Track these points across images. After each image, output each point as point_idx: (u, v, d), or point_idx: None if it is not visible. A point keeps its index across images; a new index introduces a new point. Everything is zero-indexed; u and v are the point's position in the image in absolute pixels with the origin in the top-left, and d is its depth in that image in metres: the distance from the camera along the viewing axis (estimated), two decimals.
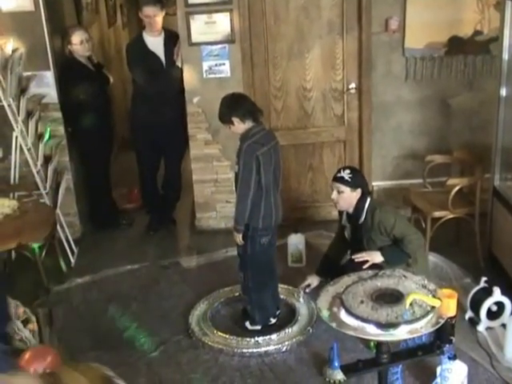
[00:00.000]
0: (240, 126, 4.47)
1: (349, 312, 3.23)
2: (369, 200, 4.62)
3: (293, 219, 6.02)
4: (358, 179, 4.59)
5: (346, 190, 4.55)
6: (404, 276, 3.48)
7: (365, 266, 4.44)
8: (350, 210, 4.67)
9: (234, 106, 4.50)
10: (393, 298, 3.30)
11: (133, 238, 6.53)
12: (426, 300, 3.22)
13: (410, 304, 3.19)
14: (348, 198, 4.58)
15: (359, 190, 4.57)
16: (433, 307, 3.20)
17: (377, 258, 4.52)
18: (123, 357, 4.66)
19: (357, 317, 3.20)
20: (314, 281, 4.97)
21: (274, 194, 4.61)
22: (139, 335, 4.91)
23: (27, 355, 4.09)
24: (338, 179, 4.58)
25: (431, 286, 3.40)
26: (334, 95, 6.28)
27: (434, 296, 3.27)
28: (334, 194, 4.62)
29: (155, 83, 6.06)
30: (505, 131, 5.22)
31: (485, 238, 5.55)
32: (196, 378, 4.44)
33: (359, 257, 4.55)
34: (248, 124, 4.45)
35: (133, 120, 6.46)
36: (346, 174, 4.55)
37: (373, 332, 3.15)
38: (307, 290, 5.01)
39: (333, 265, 4.95)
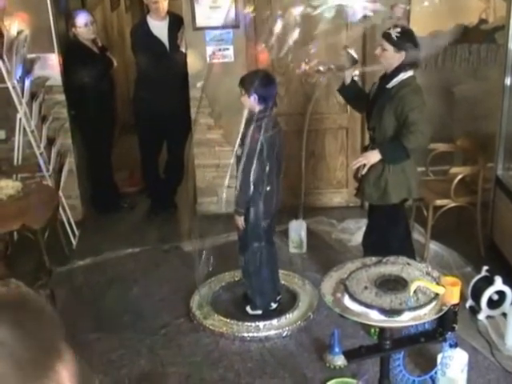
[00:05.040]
0: (251, 104, 4.41)
1: (352, 298, 3.24)
2: (411, 73, 4.35)
3: (294, 205, 6.03)
4: (406, 41, 4.30)
5: (390, 48, 4.30)
6: (408, 263, 3.49)
7: (364, 171, 4.41)
8: (388, 71, 4.42)
9: (265, 85, 4.40)
10: (396, 284, 3.31)
11: (134, 222, 6.54)
12: (430, 287, 3.23)
13: (414, 291, 3.20)
14: (390, 58, 4.33)
15: (403, 53, 4.30)
16: (437, 294, 3.21)
17: (373, 158, 4.39)
18: (124, 339, 4.69)
19: (360, 302, 3.20)
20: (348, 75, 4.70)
21: (276, 179, 4.62)
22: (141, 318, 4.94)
23: None
24: (385, 35, 4.33)
25: (435, 273, 3.41)
26: (338, 82, 6.25)
27: (437, 283, 3.28)
28: (378, 50, 4.39)
29: (159, 68, 6.05)
30: (509, 120, 5.23)
31: (486, 227, 5.57)
32: (197, 362, 4.47)
33: (356, 162, 4.48)
34: (259, 107, 4.43)
35: (136, 104, 6.45)
36: (394, 32, 4.27)
37: (376, 318, 3.17)
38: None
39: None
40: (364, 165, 4.46)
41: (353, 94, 4.82)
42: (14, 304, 1.33)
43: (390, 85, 4.38)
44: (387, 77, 4.43)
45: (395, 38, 4.26)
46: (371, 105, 4.57)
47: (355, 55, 4.66)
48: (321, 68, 4.78)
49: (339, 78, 4.88)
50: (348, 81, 4.74)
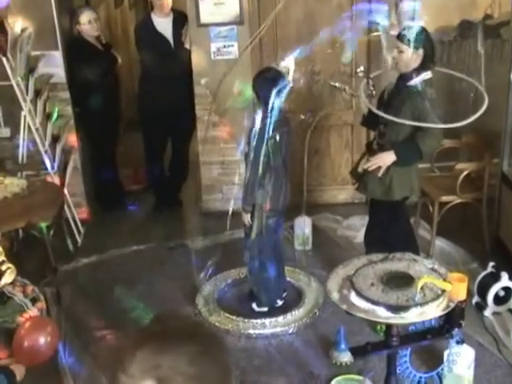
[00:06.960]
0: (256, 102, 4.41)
1: (359, 294, 3.23)
2: (429, 74, 4.28)
3: (299, 202, 6.01)
4: (422, 40, 4.21)
5: (407, 50, 4.21)
6: (414, 259, 3.48)
7: (380, 173, 4.38)
8: (406, 71, 4.32)
9: (267, 85, 4.32)
10: (403, 281, 3.30)
11: (139, 219, 6.53)
12: (437, 283, 3.22)
13: (421, 287, 3.19)
14: (408, 59, 4.24)
15: (421, 52, 4.24)
16: (443, 291, 3.20)
17: (389, 159, 4.35)
18: None
19: (367, 299, 3.19)
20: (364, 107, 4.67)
21: (283, 177, 4.61)
22: (146, 315, 4.92)
23: (27, 324, 4.11)
24: (400, 37, 4.23)
25: (442, 269, 3.40)
26: (343, 78, 6.23)
27: (444, 280, 3.27)
28: (395, 53, 4.29)
29: (163, 64, 6.04)
30: None
31: (492, 223, 5.55)
32: None
33: (370, 164, 4.43)
34: (262, 108, 4.41)
35: (140, 101, 6.45)
36: (409, 33, 4.18)
37: (383, 315, 3.16)
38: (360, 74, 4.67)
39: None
40: (379, 167, 4.43)
41: (373, 120, 4.77)
42: (194, 334, 1.34)
43: (413, 82, 4.30)
44: (407, 76, 4.34)
45: (411, 39, 4.18)
46: (387, 101, 4.51)
47: (374, 90, 4.63)
48: (337, 84, 4.81)
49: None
50: (365, 111, 4.72)
